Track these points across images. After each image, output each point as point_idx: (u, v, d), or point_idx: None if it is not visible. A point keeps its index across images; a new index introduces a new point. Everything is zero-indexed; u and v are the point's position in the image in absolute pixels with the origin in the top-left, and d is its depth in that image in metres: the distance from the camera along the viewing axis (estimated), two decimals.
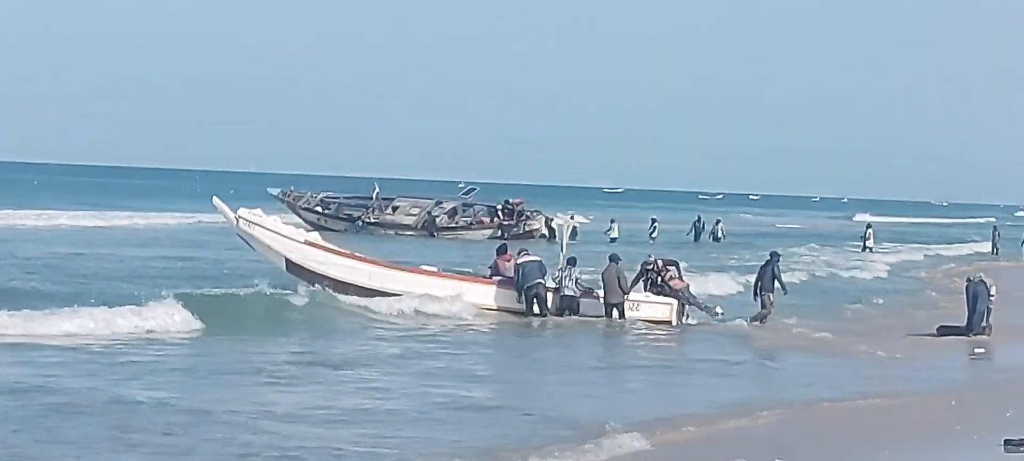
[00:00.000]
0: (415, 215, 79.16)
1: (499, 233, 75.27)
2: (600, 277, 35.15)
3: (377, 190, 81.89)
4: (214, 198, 37.53)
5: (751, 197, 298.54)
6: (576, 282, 34.85)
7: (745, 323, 35.06)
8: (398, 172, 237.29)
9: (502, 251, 36.45)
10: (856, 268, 59.91)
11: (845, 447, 19.01)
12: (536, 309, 34.43)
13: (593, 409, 20.99)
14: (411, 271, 35.52)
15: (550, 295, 34.60)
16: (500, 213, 79.73)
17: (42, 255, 48.20)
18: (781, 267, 37.02)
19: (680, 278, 35.72)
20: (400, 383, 22.83)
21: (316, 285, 34.07)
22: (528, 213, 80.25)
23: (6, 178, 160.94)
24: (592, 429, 18.75)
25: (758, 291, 35.94)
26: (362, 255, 36.53)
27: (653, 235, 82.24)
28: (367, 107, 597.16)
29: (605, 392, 24.27)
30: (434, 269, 35.98)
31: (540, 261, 35.21)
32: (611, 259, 35.35)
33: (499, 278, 35.15)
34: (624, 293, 34.57)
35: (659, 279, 35.19)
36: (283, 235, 35.23)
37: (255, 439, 17.09)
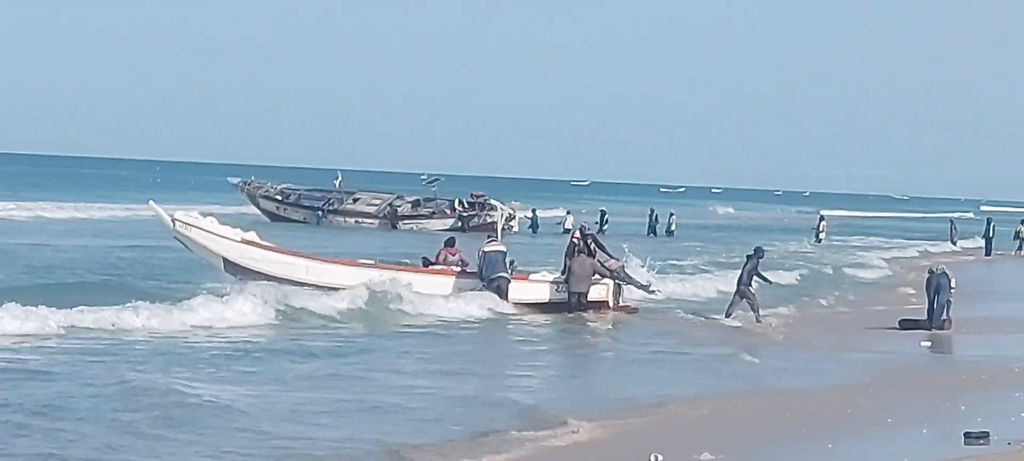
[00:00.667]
0: (376, 205, 79.29)
1: (459, 224, 75.46)
2: (566, 266, 35.37)
3: (340, 180, 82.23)
4: (150, 201, 38.37)
5: (714, 190, 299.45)
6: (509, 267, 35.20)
7: (759, 322, 34.96)
8: (361, 165, 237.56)
9: (450, 243, 37.02)
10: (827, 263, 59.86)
11: (773, 438, 19.13)
12: (502, 296, 34.58)
13: (543, 398, 21.12)
14: (347, 264, 35.93)
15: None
16: (461, 204, 79.85)
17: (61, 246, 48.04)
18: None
19: (614, 258, 36.21)
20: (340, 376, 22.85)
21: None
22: (489, 204, 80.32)
23: None
24: (543, 418, 18.88)
25: (739, 285, 35.77)
26: (298, 250, 36.95)
27: (603, 227, 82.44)
28: (332, 100, 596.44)
29: (547, 382, 24.47)
30: (370, 261, 36.34)
31: (505, 251, 35.52)
32: (579, 251, 35.51)
33: (436, 267, 35.62)
34: (590, 283, 35.07)
35: (588, 248, 35.41)
36: (220, 235, 35.52)
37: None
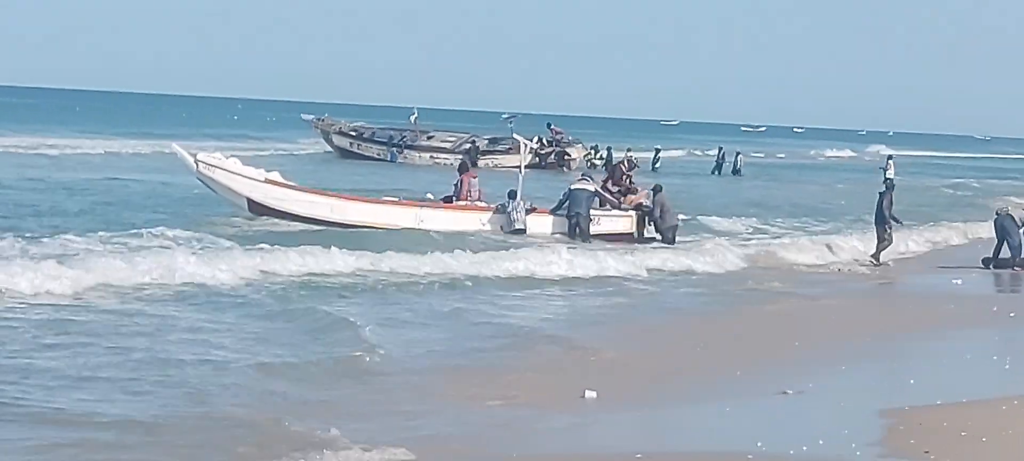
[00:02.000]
0: (452, 142, 79.55)
1: (537, 160, 75.78)
2: (652, 204, 35.88)
3: (415, 117, 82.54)
4: (174, 145, 38.97)
5: (796, 130, 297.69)
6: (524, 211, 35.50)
7: (872, 261, 35.19)
8: (437, 104, 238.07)
9: (463, 169, 37.35)
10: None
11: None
12: (577, 235, 35.00)
13: None
14: (372, 202, 36.21)
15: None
16: (539, 142, 79.98)
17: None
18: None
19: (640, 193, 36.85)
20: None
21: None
22: (567, 141, 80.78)
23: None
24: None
25: (876, 222, 35.99)
26: (323, 189, 37.33)
27: (656, 165, 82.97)
28: (405, 38, 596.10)
29: None
30: (395, 199, 36.70)
31: (593, 191, 35.85)
32: (655, 190, 36.26)
33: (460, 203, 35.81)
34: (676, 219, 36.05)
35: (624, 179, 36.58)
36: (243, 176, 35.95)
37: None
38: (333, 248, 28.05)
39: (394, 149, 78.55)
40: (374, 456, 13.14)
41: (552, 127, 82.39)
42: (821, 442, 14.28)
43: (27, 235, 28.74)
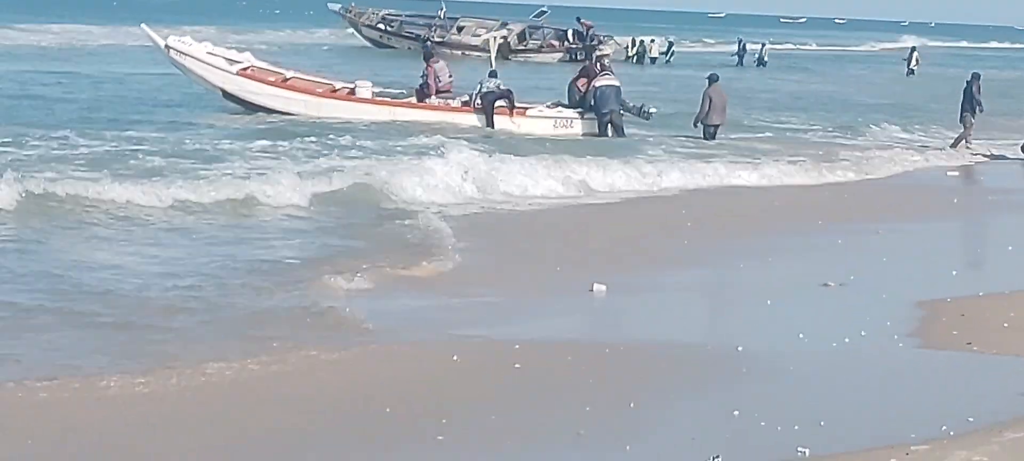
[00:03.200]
0: (481, 36, 79.14)
1: (568, 56, 75.67)
2: (704, 96, 34.81)
3: (443, 9, 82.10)
4: (142, 25, 38.32)
5: (837, 21, 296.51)
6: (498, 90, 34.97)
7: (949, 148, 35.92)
8: None
9: (429, 56, 36.61)
10: None
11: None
12: (610, 133, 34.49)
13: None
14: (346, 99, 35.67)
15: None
16: (570, 36, 79.75)
17: None
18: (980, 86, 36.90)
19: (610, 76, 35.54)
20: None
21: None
22: (599, 37, 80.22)
23: None
24: None
25: (962, 112, 36.56)
26: (300, 78, 36.51)
27: (669, 58, 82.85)
28: None
29: None
30: (368, 93, 36.00)
31: (618, 86, 35.17)
32: (711, 79, 35.27)
33: (434, 101, 35.24)
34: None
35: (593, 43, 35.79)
36: (215, 66, 35.64)
37: None
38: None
39: (426, 44, 78.19)
40: None
41: (581, 20, 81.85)
42: (863, 332, 14.50)
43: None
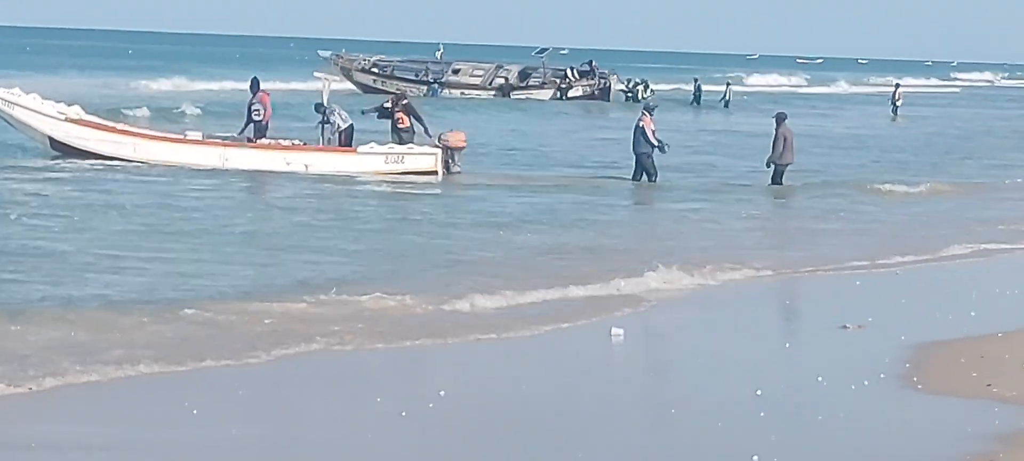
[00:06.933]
0: (480, 76, 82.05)
1: (558, 94, 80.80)
2: (777, 138, 34.96)
3: (441, 52, 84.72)
4: None
5: (860, 61, 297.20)
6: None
7: None
8: (459, 39, 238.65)
9: (257, 85, 36.62)
10: None
11: None
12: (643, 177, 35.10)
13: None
14: (177, 141, 36.13)
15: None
16: (570, 73, 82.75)
17: None
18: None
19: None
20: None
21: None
22: (602, 74, 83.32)
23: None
24: None
25: None
26: (127, 127, 37.45)
27: (644, 95, 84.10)
28: None
29: None
30: (198, 136, 36.64)
31: (642, 127, 35.11)
32: (779, 119, 35.57)
33: (264, 142, 35.69)
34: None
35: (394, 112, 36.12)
36: (43, 113, 35.98)
37: None
38: None
39: (434, 85, 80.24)
40: None
41: (592, 63, 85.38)
42: (882, 375, 15.21)
43: None
